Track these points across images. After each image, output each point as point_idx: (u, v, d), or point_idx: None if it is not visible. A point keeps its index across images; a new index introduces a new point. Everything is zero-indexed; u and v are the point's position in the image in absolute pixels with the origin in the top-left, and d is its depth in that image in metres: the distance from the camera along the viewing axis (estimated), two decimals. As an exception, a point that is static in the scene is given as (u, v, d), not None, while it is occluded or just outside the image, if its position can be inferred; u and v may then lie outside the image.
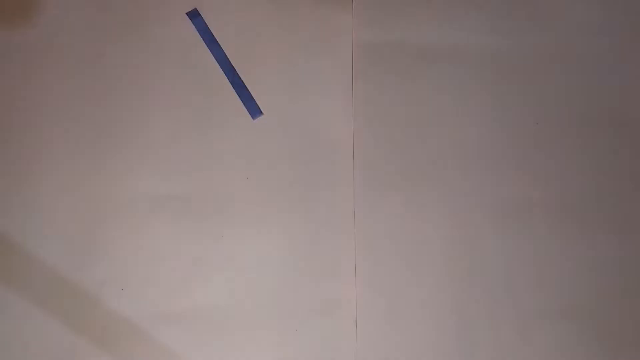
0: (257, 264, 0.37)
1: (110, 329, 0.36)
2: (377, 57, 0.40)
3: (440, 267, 0.38)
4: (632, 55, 0.41)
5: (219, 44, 0.36)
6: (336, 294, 0.37)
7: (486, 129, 0.40)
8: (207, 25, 0.35)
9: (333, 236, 0.38)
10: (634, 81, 0.41)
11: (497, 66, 0.41)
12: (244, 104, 0.33)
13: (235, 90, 0.33)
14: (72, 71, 0.39)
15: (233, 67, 0.34)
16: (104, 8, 0.39)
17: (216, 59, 0.34)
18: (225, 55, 0.35)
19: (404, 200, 0.39)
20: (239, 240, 0.37)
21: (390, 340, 0.36)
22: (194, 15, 0.34)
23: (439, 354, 0.36)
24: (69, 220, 0.37)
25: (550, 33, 0.41)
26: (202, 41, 0.37)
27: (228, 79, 0.34)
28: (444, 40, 0.40)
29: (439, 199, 0.39)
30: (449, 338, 0.37)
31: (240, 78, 0.34)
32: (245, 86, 0.34)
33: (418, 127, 0.40)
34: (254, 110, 0.33)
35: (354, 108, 0.41)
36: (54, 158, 0.38)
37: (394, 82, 0.40)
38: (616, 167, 0.40)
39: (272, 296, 0.37)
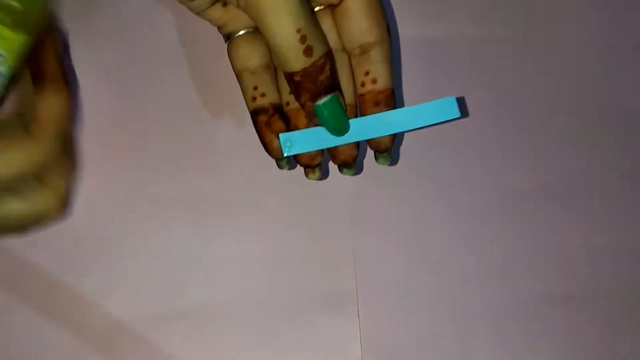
0: (257, 261, 0.37)
1: (110, 331, 0.36)
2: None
3: (439, 257, 0.38)
4: (630, 45, 0.42)
5: None
6: (337, 287, 0.37)
7: (482, 120, 0.40)
8: None
9: (331, 229, 0.38)
10: (633, 70, 0.41)
11: (490, 57, 0.41)
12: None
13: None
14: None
15: None
16: (97, 5, 0.39)
17: None
18: None
19: (402, 191, 0.39)
20: (238, 238, 0.37)
21: (394, 330, 0.37)
22: None
23: (442, 343, 0.37)
24: (67, 222, 0.37)
25: (547, 23, 0.42)
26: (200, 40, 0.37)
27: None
28: (438, 32, 0.40)
29: (436, 189, 0.39)
30: (451, 327, 0.37)
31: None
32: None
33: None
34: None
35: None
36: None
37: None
38: (616, 155, 0.40)
39: (272, 292, 0.37)
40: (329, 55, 0.28)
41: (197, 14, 0.32)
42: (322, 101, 0.29)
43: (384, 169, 0.39)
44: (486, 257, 0.38)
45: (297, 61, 0.27)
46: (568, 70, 0.41)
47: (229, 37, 0.33)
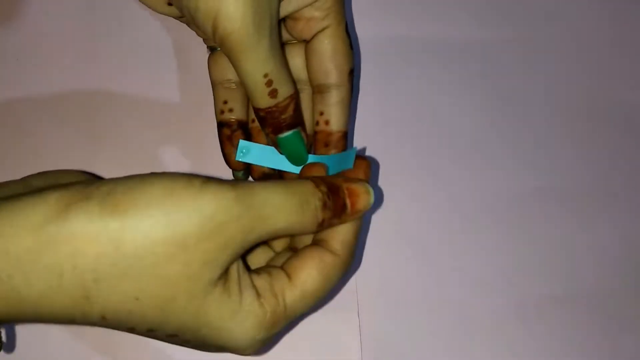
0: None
1: (111, 331, 0.36)
2: (371, 53, 0.40)
3: (439, 257, 0.38)
4: (631, 45, 0.42)
5: None
6: (337, 287, 0.37)
7: (483, 121, 0.40)
8: None
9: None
10: (633, 70, 0.41)
11: (493, 59, 0.41)
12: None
13: None
14: (64, 71, 0.39)
15: None
16: (93, 7, 0.39)
17: None
18: None
19: (403, 193, 0.39)
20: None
21: (394, 330, 0.37)
22: None
23: (442, 343, 0.37)
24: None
25: (550, 24, 0.42)
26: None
27: None
28: (435, 34, 0.40)
29: (437, 190, 0.39)
30: (451, 327, 0.37)
31: None
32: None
33: (415, 122, 0.40)
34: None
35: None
36: (50, 161, 0.38)
37: (388, 79, 0.40)
38: (616, 156, 0.40)
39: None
40: (293, 96, 0.30)
41: (187, 25, 0.33)
42: (283, 136, 0.30)
43: (383, 169, 0.39)
44: (486, 257, 0.38)
45: (261, 100, 0.29)
46: (569, 71, 0.41)
47: (212, 50, 0.34)
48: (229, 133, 0.33)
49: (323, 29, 0.31)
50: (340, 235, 0.28)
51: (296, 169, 0.32)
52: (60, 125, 0.38)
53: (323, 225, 0.27)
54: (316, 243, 0.28)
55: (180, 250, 0.23)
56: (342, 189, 0.27)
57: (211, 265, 0.24)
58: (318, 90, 0.32)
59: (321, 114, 0.32)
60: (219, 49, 0.33)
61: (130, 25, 0.39)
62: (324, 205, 0.26)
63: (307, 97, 0.33)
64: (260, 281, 0.26)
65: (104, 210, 0.22)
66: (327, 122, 0.32)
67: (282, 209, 0.25)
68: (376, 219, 0.38)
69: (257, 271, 0.27)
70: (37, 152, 0.38)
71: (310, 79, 0.32)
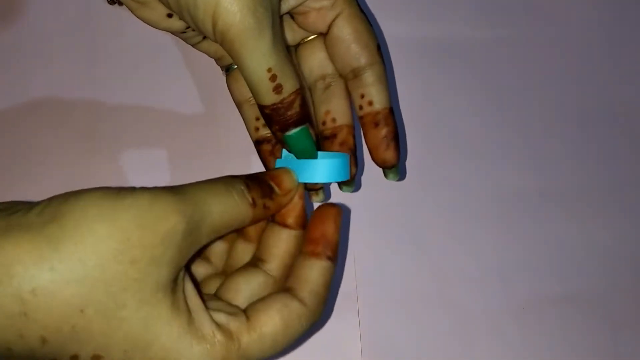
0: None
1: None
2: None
3: (439, 257, 0.38)
4: (631, 45, 0.42)
5: None
6: (337, 287, 0.37)
7: (482, 121, 0.40)
8: None
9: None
10: (632, 71, 0.41)
11: (493, 58, 0.41)
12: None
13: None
14: (64, 72, 0.39)
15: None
16: (94, 6, 0.39)
17: None
18: None
19: (401, 192, 0.39)
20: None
21: (394, 330, 0.37)
22: None
23: (441, 343, 0.37)
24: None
25: (550, 24, 0.42)
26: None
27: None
28: (438, 33, 0.40)
29: (437, 190, 0.39)
30: (450, 327, 0.37)
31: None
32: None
33: (413, 122, 0.40)
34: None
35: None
36: (50, 161, 0.38)
37: (387, 78, 0.40)
38: (616, 156, 0.40)
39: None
40: (299, 91, 0.29)
41: (193, 46, 0.33)
42: (290, 133, 0.29)
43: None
44: (486, 257, 0.38)
45: (266, 97, 0.28)
46: (567, 71, 0.41)
47: (227, 70, 0.33)
48: (270, 148, 0.32)
49: (337, 16, 0.30)
50: (309, 284, 0.27)
51: (327, 180, 0.31)
52: (60, 126, 0.38)
53: (257, 208, 0.27)
54: (285, 290, 0.28)
55: (124, 246, 0.22)
56: (260, 175, 0.28)
57: (158, 263, 0.23)
58: (353, 75, 0.31)
59: (362, 96, 0.31)
60: (234, 67, 0.33)
61: (130, 24, 0.39)
62: (248, 186, 0.27)
63: (339, 88, 0.32)
64: (217, 316, 0.25)
65: (42, 217, 0.22)
66: (370, 103, 0.31)
67: (211, 192, 0.25)
68: (376, 219, 0.38)
69: (213, 307, 0.26)
70: (38, 154, 0.38)
71: (341, 68, 0.31)
